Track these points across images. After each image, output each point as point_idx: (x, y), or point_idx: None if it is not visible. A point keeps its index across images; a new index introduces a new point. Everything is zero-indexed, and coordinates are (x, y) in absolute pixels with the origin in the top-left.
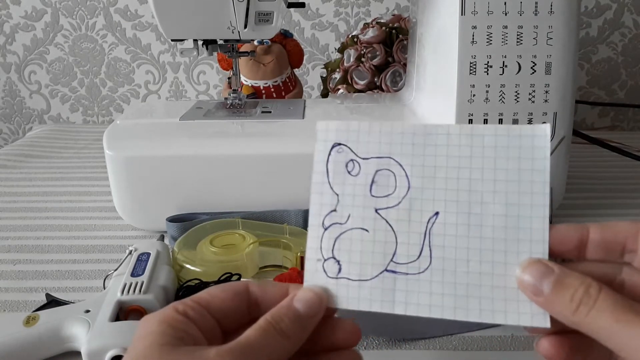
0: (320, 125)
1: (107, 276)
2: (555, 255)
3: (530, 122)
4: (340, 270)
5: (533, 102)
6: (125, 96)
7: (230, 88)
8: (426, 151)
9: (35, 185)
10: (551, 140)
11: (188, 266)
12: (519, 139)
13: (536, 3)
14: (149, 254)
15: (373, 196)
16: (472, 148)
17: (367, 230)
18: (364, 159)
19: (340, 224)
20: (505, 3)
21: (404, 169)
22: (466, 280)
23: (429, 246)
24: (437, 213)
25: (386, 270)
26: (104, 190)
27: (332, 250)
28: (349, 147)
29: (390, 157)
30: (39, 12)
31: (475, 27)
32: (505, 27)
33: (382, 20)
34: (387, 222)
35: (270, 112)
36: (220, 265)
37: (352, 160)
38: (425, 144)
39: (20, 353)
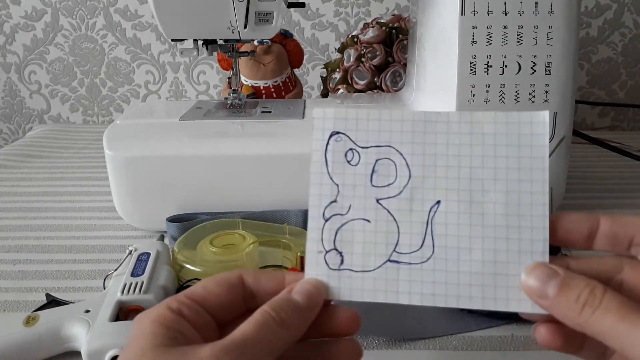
0: (317, 113)
1: (107, 276)
2: (565, 244)
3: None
4: (342, 261)
5: (533, 102)
6: (125, 96)
7: (230, 88)
8: (426, 139)
9: (35, 185)
10: (551, 140)
11: (188, 266)
12: (517, 126)
13: (536, 3)
14: (149, 254)
15: (374, 186)
16: (472, 135)
17: (368, 221)
18: (363, 147)
19: (341, 214)
20: (505, 3)
21: (404, 158)
22: (469, 268)
23: (432, 235)
24: (438, 202)
25: (389, 260)
26: (103, 190)
27: (334, 241)
28: (348, 136)
29: (390, 146)
30: (39, 12)
31: (475, 27)
32: (505, 27)
33: (382, 20)
34: (388, 212)
35: (270, 112)
36: (220, 265)
37: (351, 149)
38: (425, 132)
39: (20, 353)
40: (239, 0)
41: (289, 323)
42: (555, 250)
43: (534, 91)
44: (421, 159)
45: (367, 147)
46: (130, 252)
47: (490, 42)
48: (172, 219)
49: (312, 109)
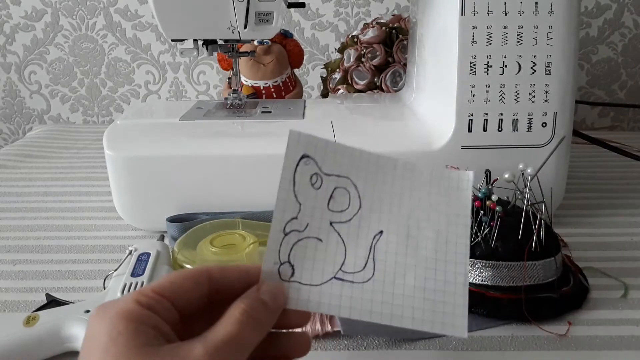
0: (293, 134)
1: (107, 276)
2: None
3: (530, 122)
4: (293, 274)
5: (533, 102)
6: (125, 96)
7: (231, 88)
8: (377, 178)
9: (35, 185)
10: (551, 140)
11: (188, 266)
12: (448, 180)
13: (536, 3)
14: (149, 254)
15: (330, 210)
16: (412, 181)
17: (321, 240)
18: (326, 174)
19: (299, 231)
20: (505, 3)
21: (357, 191)
22: (402, 291)
23: (373, 259)
24: (381, 232)
25: (335, 277)
26: (104, 190)
27: (289, 255)
28: (315, 161)
29: (348, 178)
30: (39, 12)
31: (475, 27)
32: (505, 27)
33: (382, 21)
34: (339, 234)
35: (270, 112)
36: None
37: (316, 174)
38: (377, 172)
39: (20, 353)
40: (239, 0)
41: (263, 322)
42: (556, 249)
43: (534, 91)
44: (371, 194)
45: (330, 175)
46: (130, 252)
47: (490, 42)
48: (172, 219)
49: (312, 110)
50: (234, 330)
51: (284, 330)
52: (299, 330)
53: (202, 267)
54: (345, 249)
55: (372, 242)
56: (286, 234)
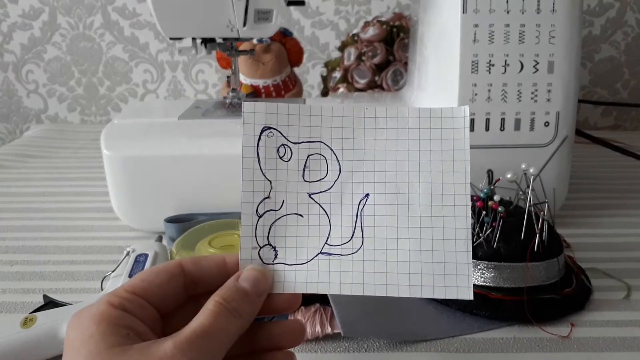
0: (247, 107)
1: (104, 277)
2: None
3: (532, 121)
4: (276, 256)
5: (535, 101)
6: (123, 95)
7: (229, 87)
8: (355, 134)
9: (33, 185)
10: (553, 140)
11: None
12: (440, 121)
13: (538, 1)
14: (146, 255)
15: (306, 181)
16: (398, 131)
17: (301, 216)
18: (295, 143)
19: (275, 210)
20: (507, 1)
21: (334, 153)
22: (396, 257)
23: (361, 227)
24: (367, 195)
25: (321, 253)
26: (101, 190)
27: (267, 237)
28: (280, 131)
29: (321, 142)
30: (36, 11)
31: (477, 26)
32: (507, 25)
33: (382, 19)
34: (320, 206)
35: None
36: None
37: (283, 145)
38: (354, 128)
39: (18, 355)
40: None
41: (241, 311)
42: (558, 250)
43: (536, 90)
44: (350, 154)
45: (299, 143)
46: (128, 253)
47: (492, 40)
48: (170, 220)
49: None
50: (207, 322)
51: (275, 320)
52: (291, 318)
53: (174, 261)
54: (329, 220)
55: (358, 209)
56: (260, 216)
